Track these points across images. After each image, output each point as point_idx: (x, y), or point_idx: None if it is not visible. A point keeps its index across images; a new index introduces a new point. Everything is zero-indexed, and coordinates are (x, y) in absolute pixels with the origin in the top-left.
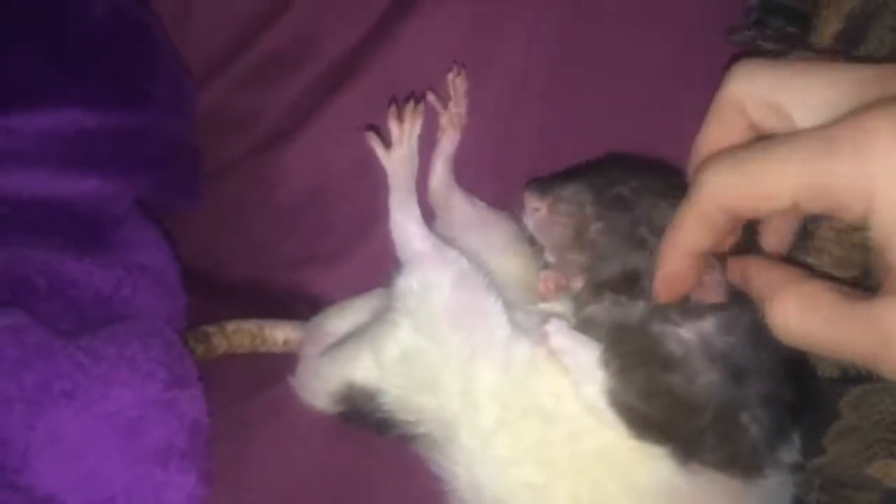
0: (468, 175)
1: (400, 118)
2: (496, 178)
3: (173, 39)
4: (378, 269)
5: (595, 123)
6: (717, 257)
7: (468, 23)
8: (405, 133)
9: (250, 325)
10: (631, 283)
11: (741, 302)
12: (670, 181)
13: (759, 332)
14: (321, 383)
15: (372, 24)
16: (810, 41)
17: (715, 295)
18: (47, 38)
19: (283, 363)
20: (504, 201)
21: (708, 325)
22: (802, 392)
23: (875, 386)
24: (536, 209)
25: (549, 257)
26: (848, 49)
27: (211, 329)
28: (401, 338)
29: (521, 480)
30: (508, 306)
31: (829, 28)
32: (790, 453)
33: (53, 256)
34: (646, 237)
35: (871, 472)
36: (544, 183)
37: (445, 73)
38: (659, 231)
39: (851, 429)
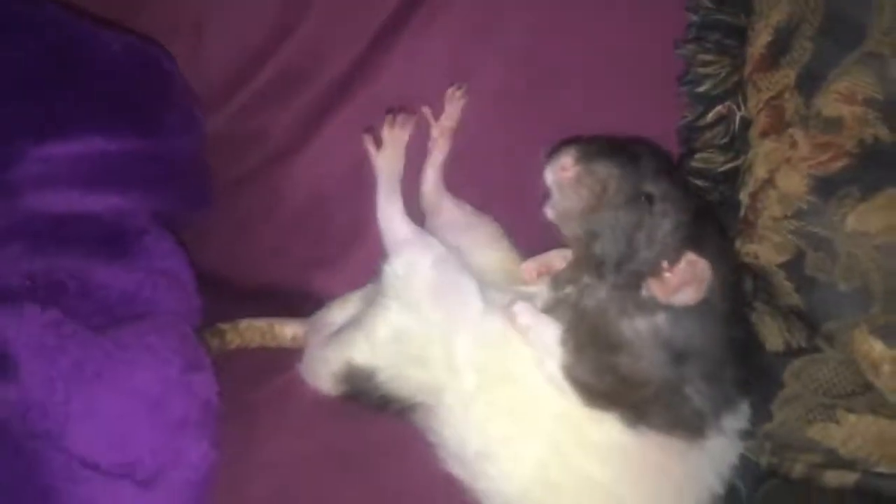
0: (453, 181)
1: (391, 125)
2: (475, 186)
3: (187, 68)
4: (373, 269)
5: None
6: None
7: (454, 42)
8: (394, 137)
9: (261, 323)
10: (598, 267)
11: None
12: (692, 194)
13: (706, 322)
14: (324, 366)
15: (365, 46)
16: (746, 52)
17: (693, 296)
18: (73, 76)
19: (290, 355)
20: (484, 206)
21: (660, 319)
22: (751, 367)
23: (814, 357)
24: (564, 169)
25: (550, 211)
26: (777, 57)
27: (225, 326)
28: (390, 319)
29: (496, 436)
30: (485, 287)
31: (761, 39)
32: (736, 420)
33: (84, 263)
34: (639, 241)
35: (811, 435)
36: (584, 149)
37: (431, 89)
38: (654, 242)
39: (794, 396)
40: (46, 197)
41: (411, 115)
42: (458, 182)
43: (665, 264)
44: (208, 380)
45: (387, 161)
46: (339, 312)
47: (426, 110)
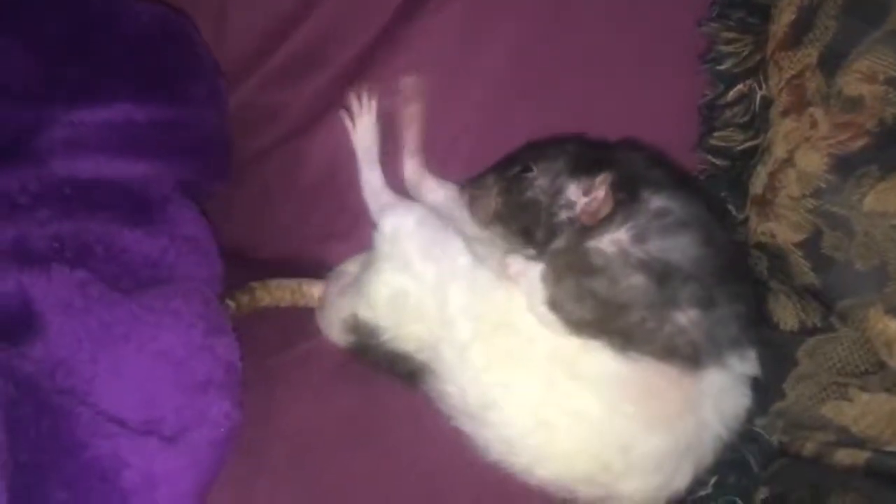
0: (453, 161)
1: (358, 97)
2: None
3: (211, 44)
4: None
5: (568, 118)
6: None
7: (459, 30)
8: (364, 107)
9: (290, 282)
10: (529, 237)
11: (644, 211)
12: (565, 149)
13: (676, 240)
14: (335, 313)
15: (379, 30)
16: (769, 30)
17: (603, 211)
18: (104, 46)
19: (311, 322)
20: None
21: (622, 235)
22: (756, 310)
23: (828, 336)
24: (462, 201)
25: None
26: (799, 35)
27: (256, 284)
28: (386, 279)
29: (493, 382)
30: (470, 242)
31: (784, 18)
32: (741, 363)
33: (110, 228)
34: (538, 197)
35: (824, 412)
36: (467, 180)
37: (440, 71)
38: (548, 191)
39: (808, 374)
40: (75, 162)
41: (373, 87)
42: (468, 167)
43: (576, 198)
44: (230, 343)
45: (362, 133)
46: (355, 264)
47: (392, 101)
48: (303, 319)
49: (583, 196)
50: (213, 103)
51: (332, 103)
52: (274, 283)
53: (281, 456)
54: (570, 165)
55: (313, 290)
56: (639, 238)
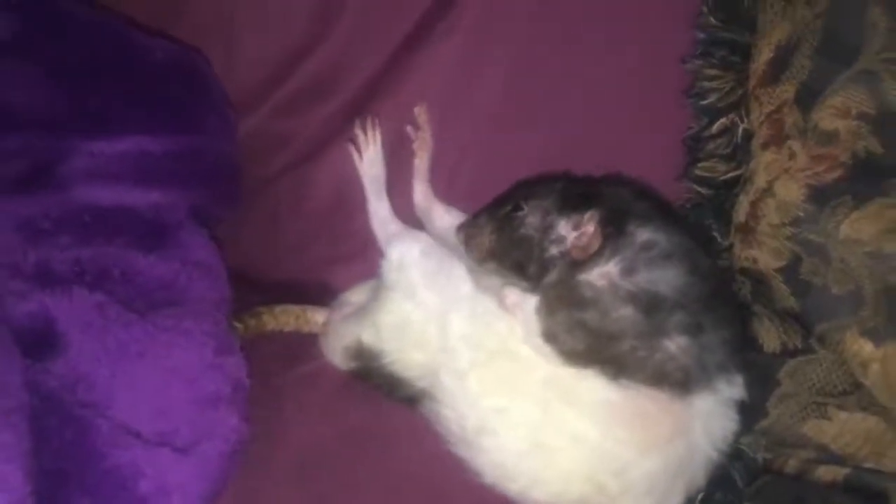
0: (457, 184)
1: (363, 129)
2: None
3: (221, 76)
4: None
5: (562, 141)
6: None
7: (460, 59)
8: (369, 139)
9: (295, 308)
10: (522, 272)
11: (631, 244)
12: (554, 186)
13: (663, 272)
14: (338, 340)
15: (387, 59)
16: (749, 68)
17: (593, 246)
18: (120, 80)
19: (316, 345)
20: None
21: (612, 268)
22: (742, 335)
23: (808, 357)
24: (458, 238)
25: (477, 269)
26: (778, 73)
27: (262, 309)
28: (393, 308)
29: (491, 407)
30: (474, 272)
31: (763, 56)
32: (730, 388)
33: (127, 253)
34: (529, 234)
35: (805, 431)
36: (465, 221)
37: (443, 99)
38: (539, 227)
39: (789, 394)
40: (95, 190)
41: (378, 116)
42: (472, 190)
43: (566, 234)
44: (238, 362)
45: (368, 164)
46: (358, 294)
47: (409, 128)
48: (307, 342)
49: (572, 232)
50: (224, 134)
51: (341, 131)
52: (279, 308)
53: (287, 470)
54: (559, 202)
55: (317, 316)
56: (627, 270)
